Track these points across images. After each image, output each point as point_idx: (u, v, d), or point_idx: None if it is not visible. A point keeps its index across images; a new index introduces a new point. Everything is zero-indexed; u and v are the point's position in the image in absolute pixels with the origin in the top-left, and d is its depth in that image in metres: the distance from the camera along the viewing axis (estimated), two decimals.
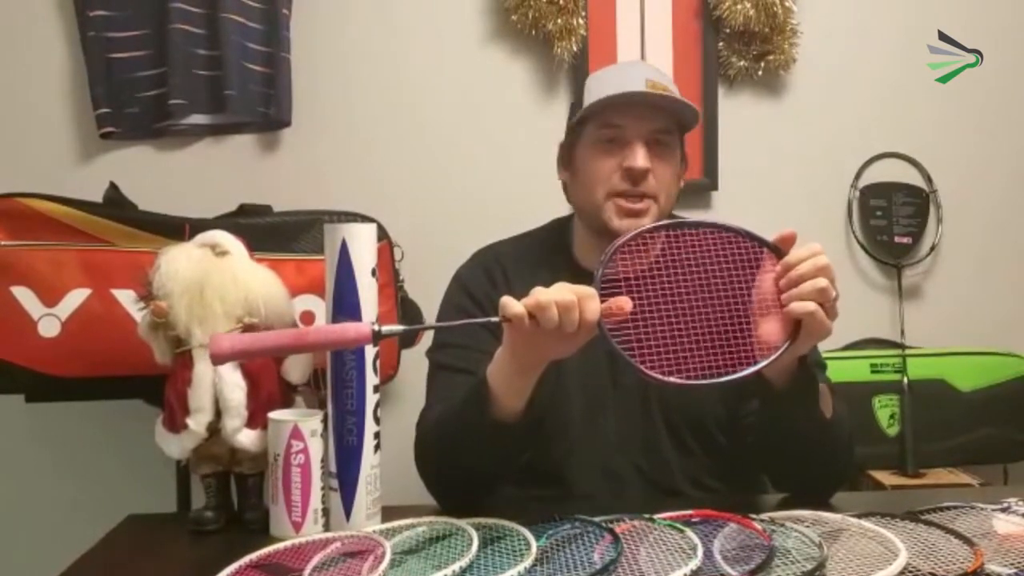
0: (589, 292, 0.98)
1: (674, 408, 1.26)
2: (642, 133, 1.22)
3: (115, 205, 1.72)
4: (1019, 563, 0.86)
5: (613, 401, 1.27)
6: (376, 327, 0.94)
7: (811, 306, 0.99)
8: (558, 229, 1.38)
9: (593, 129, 1.26)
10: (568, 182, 1.32)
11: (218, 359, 0.95)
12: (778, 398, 1.10)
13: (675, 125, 1.26)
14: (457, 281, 1.35)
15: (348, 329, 0.97)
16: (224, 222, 1.66)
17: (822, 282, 1.00)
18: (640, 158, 1.21)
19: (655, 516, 0.97)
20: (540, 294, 0.97)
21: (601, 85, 1.25)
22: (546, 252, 1.34)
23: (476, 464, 1.14)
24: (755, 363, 1.02)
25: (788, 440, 1.14)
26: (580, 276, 1.29)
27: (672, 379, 1.00)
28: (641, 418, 1.26)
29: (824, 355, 2.06)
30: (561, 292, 0.97)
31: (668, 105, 1.23)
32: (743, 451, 1.25)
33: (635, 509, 1.00)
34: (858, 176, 2.05)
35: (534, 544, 0.90)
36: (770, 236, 1.05)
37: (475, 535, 0.92)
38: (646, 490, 1.25)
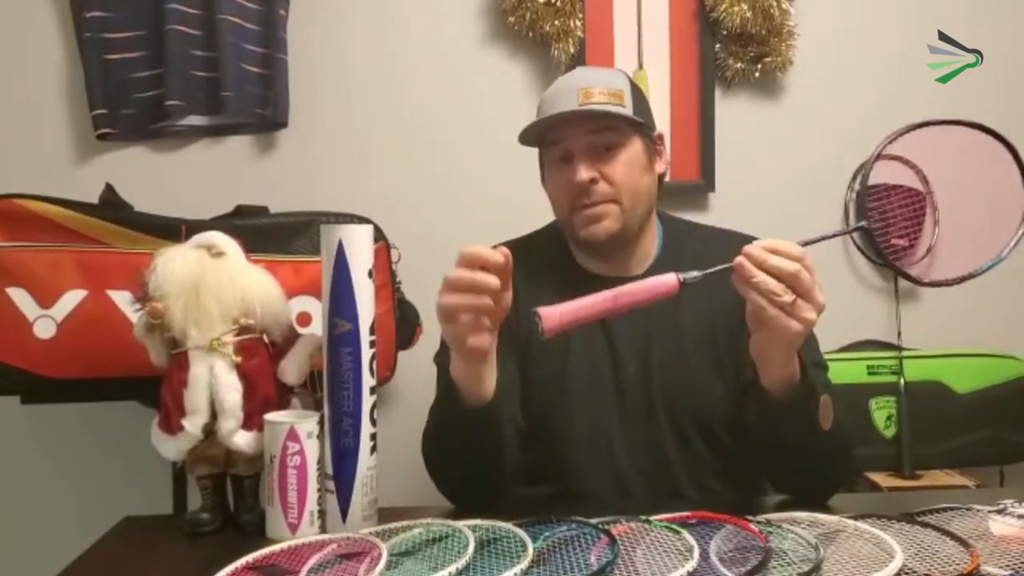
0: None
1: (679, 408, 1.26)
2: (581, 145, 1.24)
3: (111, 206, 1.71)
4: (1015, 565, 0.86)
5: (616, 401, 1.27)
6: (681, 278, 1.00)
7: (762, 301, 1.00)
8: (556, 232, 1.38)
9: (544, 149, 1.30)
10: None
11: (551, 333, 1.00)
12: (775, 409, 1.10)
13: (622, 121, 1.25)
14: None
15: (658, 284, 1.01)
16: (220, 223, 1.66)
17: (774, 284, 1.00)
18: (580, 171, 1.23)
19: (651, 518, 0.97)
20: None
21: (542, 107, 1.28)
22: (548, 254, 1.35)
23: (467, 460, 1.15)
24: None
25: (783, 450, 1.14)
26: (582, 277, 1.30)
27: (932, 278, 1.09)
28: (645, 418, 1.27)
29: None
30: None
31: (590, 118, 1.23)
32: (746, 450, 1.25)
33: (638, 510, 1.00)
34: (855, 178, 2.05)
35: (530, 546, 0.90)
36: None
37: (471, 537, 0.92)
38: (649, 491, 1.25)
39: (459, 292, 1.02)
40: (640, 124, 1.26)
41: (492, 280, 1.01)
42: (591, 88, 1.23)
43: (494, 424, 1.14)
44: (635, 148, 1.26)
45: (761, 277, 0.99)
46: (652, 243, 1.33)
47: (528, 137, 1.29)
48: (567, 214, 1.27)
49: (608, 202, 1.24)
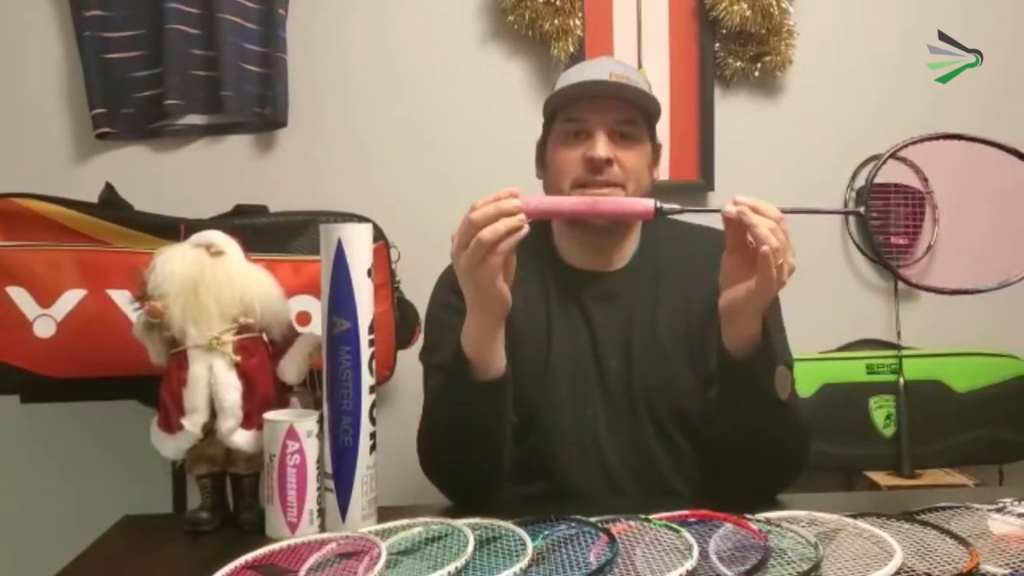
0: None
1: (659, 402, 1.27)
2: (604, 124, 1.24)
3: (111, 205, 1.71)
4: (1014, 563, 0.87)
5: (600, 394, 1.27)
6: (659, 204, 1.06)
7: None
8: (541, 226, 1.38)
9: (559, 124, 1.29)
10: (543, 180, 1.34)
11: (528, 218, 1.05)
12: (735, 370, 1.11)
13: (640, 115, 1.27)
14: (445, 281, 1.35)
15: (637, 203, 1.10)
16: (220, 222, 1.66)
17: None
18: (601, 148, 1.23)
19: (651, 516, 0.97)
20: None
21: (565, 81, 1.29)
22: (531, 250, 1.34)
23: (469, 448, 1.15)
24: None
25: (741, 423, 1.14)
26: (564, 271, 1.31)
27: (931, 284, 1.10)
28: (628, 412, 1.27)
29: (820, 355, 2.05)
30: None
31: (624, 94, 1.25)
32: (710, 438, 1.25)
33: (628, 506, 1.00)
34: (854, 177, 2.05)
35: (530, 545, 0.90)
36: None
37: (471, 536, 0.92)
38: (638, 485, 1.25)
39: (490, 226, 1.04)
40: (654, 126, 1.30)
41: (515, 200, 1.04)
42: (621, 74, 1.25)
43: (503, 400, 1.14)
44: (646, 147, 1.30)
45: (763, 225, 1.00)
46: (634, 240, 1.34)
47: (549, 103, 1.30)
48: (568, 190, 1.26)
49: (616, 186, 1.24)
